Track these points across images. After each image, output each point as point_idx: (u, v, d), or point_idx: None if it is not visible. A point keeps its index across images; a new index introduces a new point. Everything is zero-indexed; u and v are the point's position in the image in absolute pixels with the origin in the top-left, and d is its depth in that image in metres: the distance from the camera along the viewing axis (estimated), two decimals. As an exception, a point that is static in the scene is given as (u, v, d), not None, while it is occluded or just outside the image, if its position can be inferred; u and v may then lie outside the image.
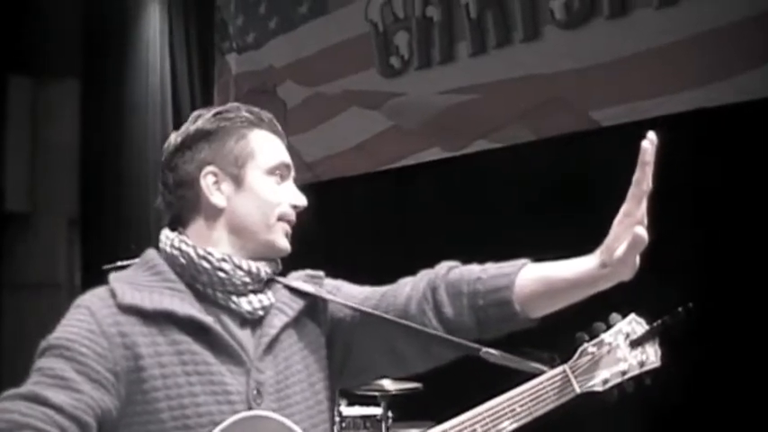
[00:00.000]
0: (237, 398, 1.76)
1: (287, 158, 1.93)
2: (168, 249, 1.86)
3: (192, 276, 1.83)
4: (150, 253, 1.89)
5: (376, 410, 4.62)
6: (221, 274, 1.82)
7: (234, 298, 1.84)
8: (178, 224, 1.91)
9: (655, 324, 1.90)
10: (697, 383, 4.09)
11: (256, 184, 1.88)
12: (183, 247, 1.84)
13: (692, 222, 4.16)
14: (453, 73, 5.52)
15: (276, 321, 1.86)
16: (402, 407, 4.61)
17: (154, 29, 6.84)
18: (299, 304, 1.91)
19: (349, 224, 5.88)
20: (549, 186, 4.87)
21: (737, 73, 4.31)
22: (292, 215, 1.91)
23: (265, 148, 1.91)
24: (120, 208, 6.83)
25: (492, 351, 1.78)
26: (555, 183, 4.86)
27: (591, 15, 4.92)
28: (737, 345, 4.10)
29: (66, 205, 7.38)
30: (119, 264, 1.91)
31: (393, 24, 5.81)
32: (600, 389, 1.86)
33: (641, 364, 1.90)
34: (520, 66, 5.21)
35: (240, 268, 1.84)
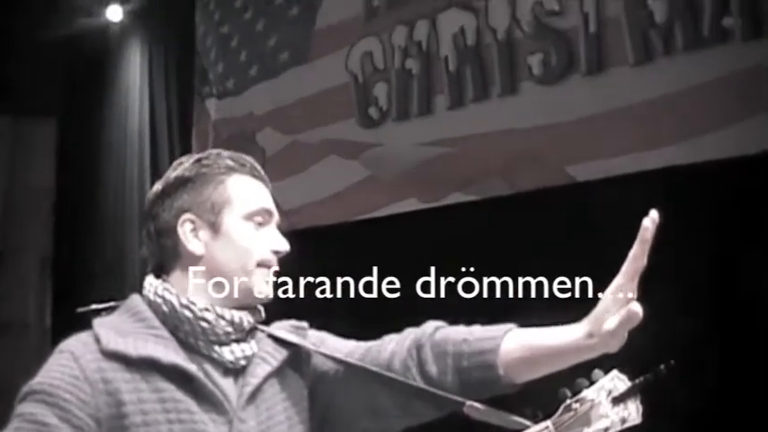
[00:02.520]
0: None
1: (267, 203, 1.93)
2: (151, 297, 1.86)
3: (175, 325, 1.83)
4: (135, 299, 1.89)
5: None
6: (204, 324, 1.82)
7: (216, 347, 1.83)
8: (161, 272, 1.91)
9: (636, 381, 1.91)
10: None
11: (233, 230, 1.88)
12: (167, 295, 1.84)
13: (667, 278, 4.19)
14: (431, 125, 5.54)
15: (259, 371, 1.86)
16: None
17: (134, 72, 6.85)
18: (282, 354, 1.91)
19: (324, 273, 5.86)
20: (525, 240, 4.89)
21: (714, 130, 4.36)
22: (273, 261, 1.90)
23: (244, 193, 1.90)
24: (93, 249, 6.79)
25: (477, 405, 1.78)
26: (531, 236, 4.88)
27: (568, 72, 4.96)
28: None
29: (38, 244, 7.33)
30: (93, 307, 1.90)
31: (372, 75, 5.83)
32: None
33: (623, 420, 1.90)
34: (497, 120, 5.24)
35: (222, 318, 1.83)
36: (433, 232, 5.37)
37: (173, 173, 1.92)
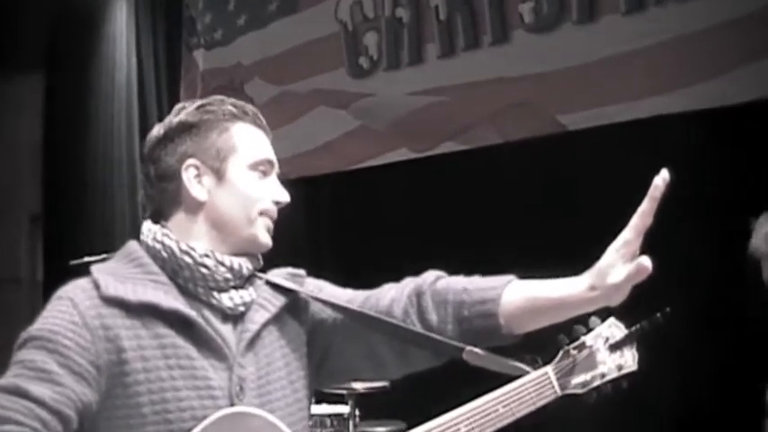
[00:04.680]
0: (220, 393, 1.75)
1: (270, 154, 1.93)
2: (150, 242, 1.84)
3: (174, 270, 1.82)
4: (132, 245, 1.87)
5: (343, 408, 4.62)
6: (203, 270, 1.81)
7: (215, 293, 1.83)
8: (160, 217, 1.89)
9: (633, 328, 1.92)
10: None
11: (238, 178, 1.87)
12: (166, 241, 1.83)
13: (661, 227, 4.19)
14: (422, 74, 5.53)
15: (257, 317, 1.86)
16: (369, 405, 4.62)
17: (120, 24, 6.78)
18: (280, 301, 1.91)
19: (313, 224, 5.87)
20: (516, 189, 4.91)
21: (703, 80, 4.36)
22: (274, 211, 1.91)
23: (248, 142, 1.90)
24: (83, 203, 6.77)
25: (476, 350, 1.78)
26: (521, 185, 4.89)
27: (559, 20, 4.95)
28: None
29: (27, 200, 7.31)
30: (86, 260, 1.89)
31: (362, 24, 5.80)
32: (580, 391, 1.88)
33: (620, 367, 1.93)
34: (488, 68, 5.23)
35: (222, 264, 1.83)
36: (425, 182, 5.38)
37: (175, 117, 1.91)
